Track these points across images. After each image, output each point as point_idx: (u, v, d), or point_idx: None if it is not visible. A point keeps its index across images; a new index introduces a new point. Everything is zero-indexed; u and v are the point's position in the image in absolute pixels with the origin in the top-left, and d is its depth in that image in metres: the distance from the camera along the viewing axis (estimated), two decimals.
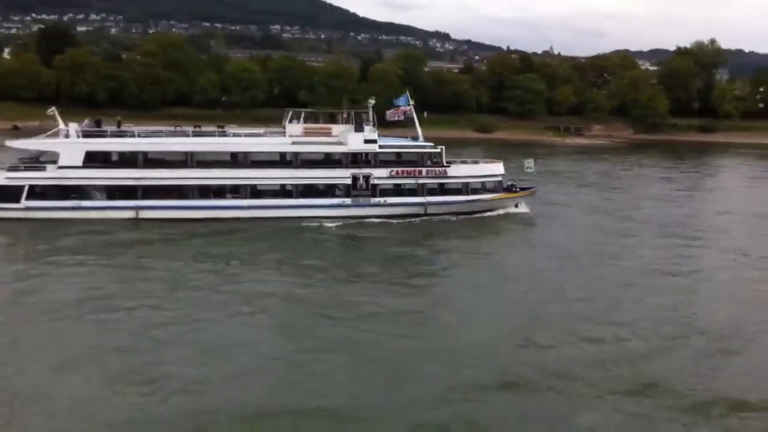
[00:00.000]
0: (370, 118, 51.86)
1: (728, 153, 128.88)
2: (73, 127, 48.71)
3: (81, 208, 47.07)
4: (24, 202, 46.52)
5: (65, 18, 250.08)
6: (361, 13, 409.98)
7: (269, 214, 48.73)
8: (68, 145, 47.52)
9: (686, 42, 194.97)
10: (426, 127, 57.02)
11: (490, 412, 22.42)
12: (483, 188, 53.46)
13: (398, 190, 51.60)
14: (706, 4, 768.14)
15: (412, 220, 50.78)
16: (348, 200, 50.57)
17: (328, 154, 51.46)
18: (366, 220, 50.00)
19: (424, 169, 51.65)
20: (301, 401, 22.52)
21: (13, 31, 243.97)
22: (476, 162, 56.04)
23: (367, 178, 50.62)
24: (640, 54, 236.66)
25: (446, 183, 52.28)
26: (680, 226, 52.97)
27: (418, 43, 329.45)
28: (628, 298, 34.18)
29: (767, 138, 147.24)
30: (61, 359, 25.10)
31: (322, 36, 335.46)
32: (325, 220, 48.88)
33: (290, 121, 51.94)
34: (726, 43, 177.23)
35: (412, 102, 54.22)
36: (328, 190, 50.94)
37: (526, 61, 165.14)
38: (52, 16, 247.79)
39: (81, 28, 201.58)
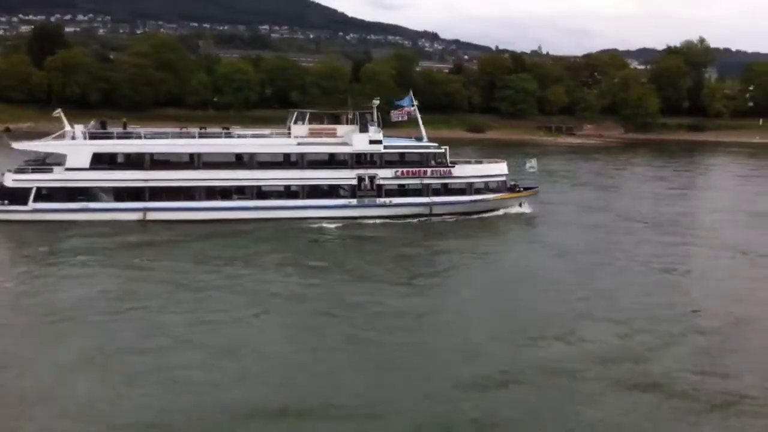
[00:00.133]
0: (375, 119, 52.11)
1: (718, 152, 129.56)
2: (79, 128, 48.74)
3: (88, 210, 47.15)
4: (31, 204, 46.56)
5: (52, 19, 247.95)
6: (350, 13, 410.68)
7: (275, 215, 48.94)
8: (75, 147, 47.56)
9: (673, 41, 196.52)
10: (406, 127, 57.30)
11: (493, 408, 22.71)
12: (487, 188, 53.88)
13: (403, 191, 51.91)
14: (693, 4, 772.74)
15: (417, 220, 51.14)
16: (353, 201, 50.83)
17: (333, 155, 51.74)
18: (371, 220, 50.28)
19: (428, 170, 51.96)
20: (310, 400, 22.69)
21: (0, 32, 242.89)
22: (480, 162, 56.29)
23: (372, 178, 50.90)
24: (628, 53, 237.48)
25: (451, 183, 52.64)
26: (677, 225, 53.55)
27: (406, 42, 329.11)
28: (630, 296, 34.53)
29: (757, 136, 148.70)
30: (68, 361, 25.18)
31: (311, 36, 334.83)
32: (330, 221, 49.09)
33: (295, 122, 52.11)
34: (713, 42, 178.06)
35: (415, 102, 54.45)
36: (334, 191, 51.20)
37: (517, 61, 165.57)
38: (39, 17, 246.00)
39: (68, 29, 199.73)
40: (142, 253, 40.78)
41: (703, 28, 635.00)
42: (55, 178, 47.19)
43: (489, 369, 25.36)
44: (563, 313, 31.60)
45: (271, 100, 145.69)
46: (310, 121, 52.53)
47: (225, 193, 49.53)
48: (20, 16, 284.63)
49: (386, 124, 54.69)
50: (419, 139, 54.25)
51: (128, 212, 47.48)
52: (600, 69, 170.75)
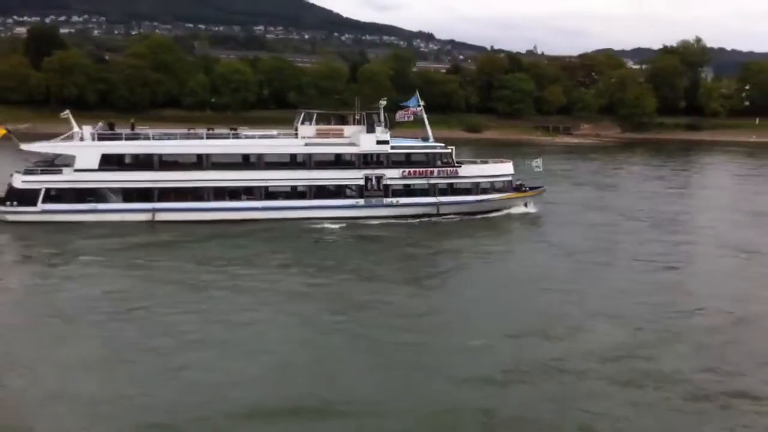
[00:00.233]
0: (382, 119, 52.29)
1: (715, 151, 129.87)
2: (88, 130, 48.82)
3: (97, 210, 47.27)
4: (40, 206, 46.64)
5: (47, 20, 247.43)
6: (345, 14, 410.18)
7: (283, 215, 49.18)
8: (84, 148, 47.65)
9: (668, 41, 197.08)
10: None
11: (498, 405, 23.04)
12: (493, 188, 54.10)
13: (410, 191, 52.10)
14: (687, 4, 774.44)
15: (424, 220, 51.34)
16: (361, 201, 51.03)
17: (340, 156, 51.88)
18: (378, 220, 50.46)
19: (435, 170, 52.18)
20: (312, 400, 22.91)
21: None
22: (486, 162, 56.48)
23: (379, 178, 51.12)
24: (623, 53, 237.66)
25: (458, 183, 52.87)
26: (678, 224, 54.09)
27: (402, 43, 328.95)
28: (633, 295, 34.80)
29: (753, 135, 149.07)
30: (74, 361, 25.36)
31: (306, 36, 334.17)
32: (338, 221, 49.29)
33: (302, 123, 52.20)
34: (708, 42, 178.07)
35: (422, 103, 54.65)
36: (341, 191, 51.37)
37: (514, 61, 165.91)
38: (33, 18, 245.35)
39: (63, 30, 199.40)
40: (150, 253, 40.96)
41: (698, 28, 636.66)
42: (64, 179, 47.26)
43: (493, 367, 25.63)
44: (568, 312, 31.92)
45: (268, 101, 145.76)
46: (317, 122, 52.64)
47: (233, 193, 49.66)
48: (15, 17, 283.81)
49: (389, 124, 54.73)
50: (425, 139, 54.45)
51: (137, 213, 47.59)
52: (597, 69, 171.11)
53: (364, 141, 51.07)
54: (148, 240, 44.16)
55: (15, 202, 46.53)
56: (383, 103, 53.25)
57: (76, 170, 47.30)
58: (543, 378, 24.90)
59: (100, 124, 51.90)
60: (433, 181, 52.06)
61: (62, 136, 48.98)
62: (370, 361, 26.20)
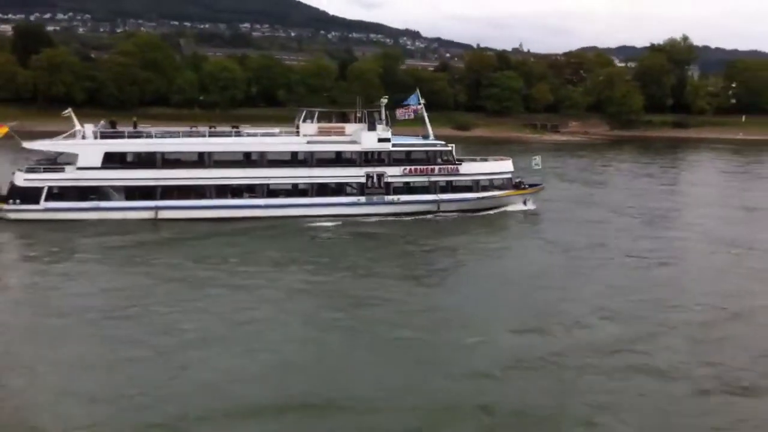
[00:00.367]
0: (383, 117, 52.56)
1: (702, 148, 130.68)
2: (90, 128, 48.80)
3: (100, 209, 47.25)
4: (43, 204, 46.61)
5: (32, 18, 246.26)
6: (331, 11, 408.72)
7: (285, 213, 49.39)
8: (87, 146, 47.65)
9: (653, 39, 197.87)
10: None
11: (500, 397, 23.44)
12: (493, 185, 54.50)
13: (411, 188, 52.46)
14: (672, 2, 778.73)
15: (425, 217, 51.65)
16: (362, 198, 51.28)
17: (342, 153, 52.19)
18: (380, 218, 50.71)
19: (436, 167, 52.52)
20: (312, 397, 23.08)
21: None
22: (485, 159, 56.87)
23: (380, 176, 51.40)
24: (608, 51, 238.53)
25: (458, 180, 53.24)
26: (670, 220, 55.14)
27: (388, 41, 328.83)
28: (630, 291, 35.31)
29: (740, 133, 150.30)
30: (76, 359, 25.47)
31: (293, 34, 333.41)
32: (339, 219, 49.52)
33: (304, 121, 52.46)
34: (693, 40, 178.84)
35: (422, 101, 54.95)
36: (343, 189, 51.62)
37: (503, 59, 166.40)
38: (18, 16, 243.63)
39: (48, 28, 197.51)
40: (153, 251, 41.16)
41: (682, 27, 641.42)
42: (67, 177, 47.28)
43: (493, 362, 25.96)
44: (566, 308, 32.34)
45: (257, 99, 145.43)
46: (319, 120, 52.90)
47: (236, 191, 49.77)
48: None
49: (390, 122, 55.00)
50: (426, 137, 54.71)
51: (140, 211, 47.65)
52: (585, 67, 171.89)
53: (366, 139, 51.33)
54: (150, 238, 44.26)
55: (18, 200, 46.47)
56: (384, 101, 53.52)
57: (79, 168, 47.29)
58: (542, 372, 25.26)
59: (102, 122, 51.89)
60: (433, 179, 52.44)
61: (64, 135, 48.95)
62: (371, 357, 26.41)
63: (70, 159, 48.26)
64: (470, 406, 22.67)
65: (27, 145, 48.10)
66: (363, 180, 51.23)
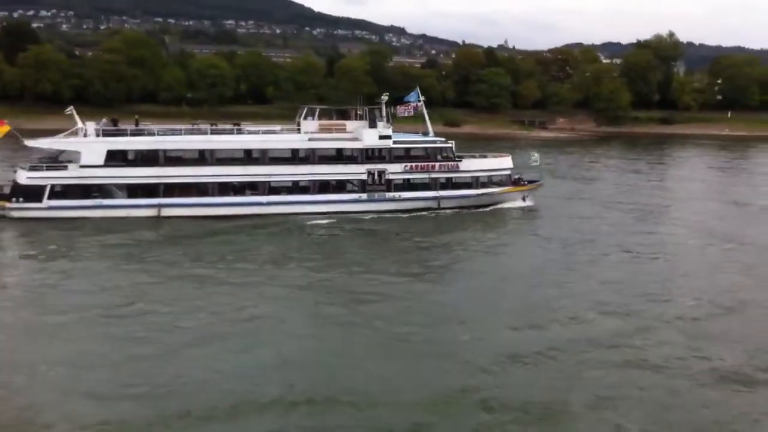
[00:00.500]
0: (383, 114, 52.82)
1: (688, 144, 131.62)
2: (91, 126, 48.74)
3: (103, 206, 47.24)
4: (46, 202, 46.57)
5: (15, 14, 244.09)
6: (316, 8, 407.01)
7: (288, 210, 49.53)
8: (90, 144, 47.60)
9: (637, 35, 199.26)
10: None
11: (501, 387, 23.80)
12: (493, 182, 54.85)
13: (412, 185, 52.73)
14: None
15: (425, 213, 51.98)
16: (363, 195, 51.53)
17: (343, 150, 52.37)
18: (381, 214, 50.96)
19: (437, 164, 52.81)
20: (312, 392, 23.18)
21: None
22: (484, 156, 57.23)
23: (381, 173, 51.66)
24: (593, 47, 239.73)
25: (458, 177, 53.57)
26: (662, 215, 55.67)
27: (374, 37, 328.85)
28: (626, 285, 35.72)
29: (725, 129, 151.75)
30: (81, 356, 25.51)
31: (278, 31, 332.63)
32: (341, 216, 49.73)
33: (305, 118, 52.63)
34: (678, 37, 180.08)
35: (422, 98, 55.24)
36: (344, 186, 51.87)
37: (490, 56, 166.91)
38: (1, 13, 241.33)
39: (32, 25, 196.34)
40: (155, 249, 41.25)
41: (667, 23, 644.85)
42: (70, 175, 47.23)
43: (492, 356, 26.15)
44: (564, 303, 32.61)
45: (245, 96, 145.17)
46: (320, 117, 53.10)
47: (238, 188, 49.90)
48: None
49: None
50: (425, 134, 54.95)
51: (143, 209, 47.71)
52: (571, 63, 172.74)
53: (367, 136, 51.58)
54: (153, 236, 44.25)
55: (21, 199, 46.38)
56: (385, 98, 53.82)
57: (82, 166, 47.25)
58: (541, 367, 25.48)
59: (103, 120, 51.90)
60: (434, 176, 52.73)
61: (66, 132, 48.88)
62: (371, 353, 26.54)
63: (71, 157, 48.17)
64: (470, 400, 22.91)
65: (29, 143, 48.03)
66: (364, 177, 51.49)
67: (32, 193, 46.44)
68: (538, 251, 42.97)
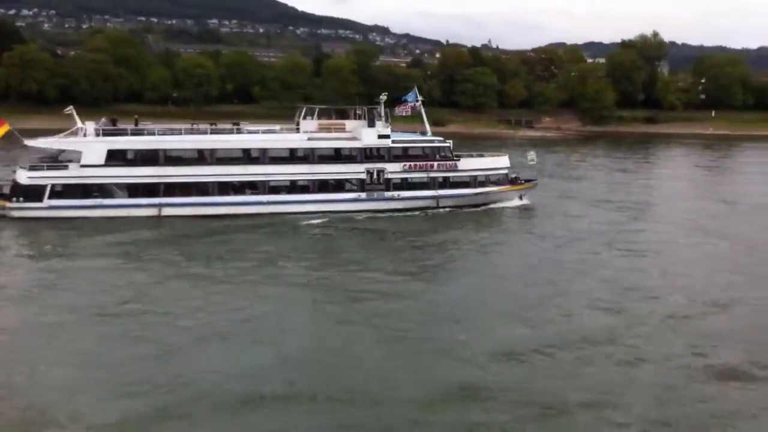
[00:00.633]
0: (382, 114, 53.06)
1: (673, 143, 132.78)
2: (91, 125, 48.67)
3: (104, 206, 47.21)
4: (47, 201, 46.46)
5: None
6: (300, 7, 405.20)
7: (287, 209, 49.65)
8: (91, 144, 47.51)
9: (620, 36, 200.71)
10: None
11: (501, 383, 23.97)
12: (490, 181, 55.21)
13: (411, 184, 53.00)
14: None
15: (424, 212, 52.31)
16: (363, 194, 51.74)
17: (342, 150, 52.56)
18: (380, 213, 51.20)
19: (435, 163, 53.11)
20: (327, 385, 23.42)
21: None
22: (481, 155, 57.65)
23: (380, 172, 51.90)
24: (576, 47, 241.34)
25: (456, 176, 53.89)
26: (652, 213, 56.37)
27: (357, 37, 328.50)
28: (622, 281, 36.15)
29: (709, 128, 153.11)
30: (81, 354, 25.57)
31: (261, 30, 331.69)
32: (340, 215, 49.95)
33: (304, 117, 52.81)
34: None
35: (420, 98, 55.54)
36: (344, 185, 52.08)
37: (476, 55, 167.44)
38: None
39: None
40: (155, 248, 41.24)
41: (649, 23, 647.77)
42: (71, 174, 47.12)
43: (492, 352, 26.40)
44: (560, 300, 32.86)
45: (231, 96, 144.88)
46: (319, 117, 53.27)
47: (238, 188, 49.98)
48: None
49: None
50: (423, 133, 55.31)
51: (144, 208, 47.70)
52: (557, 63, 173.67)
53: (366, 135, 51.81)
54: (153, 235, 44.23)
55: (21, 198, 46.26)
56: (384, 97, 54.04)
57: (83, 166, 47.18)
58: (539, 363, 25.67)
59: (103, 119, 51.89)
60: (432, 175, 53.04)
61: (66, 132, 48.78)
62: (370, 350, 26.65)
63: (71, 156, 48.07)
64: (468, 398, 23.04)
65: (29, 143, 47.91)
66: (363, 176, 51.70)
67: (33, 193, 46.32)
68: (534, 249, 43.32)
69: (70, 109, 49.44)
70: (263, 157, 50.35)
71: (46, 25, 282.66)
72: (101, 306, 30.52)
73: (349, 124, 53.08)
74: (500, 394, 23.23)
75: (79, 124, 48.54)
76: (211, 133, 50.55)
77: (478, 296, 33.47)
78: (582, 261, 40.32)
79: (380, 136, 52.04)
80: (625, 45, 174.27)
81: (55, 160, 48.67)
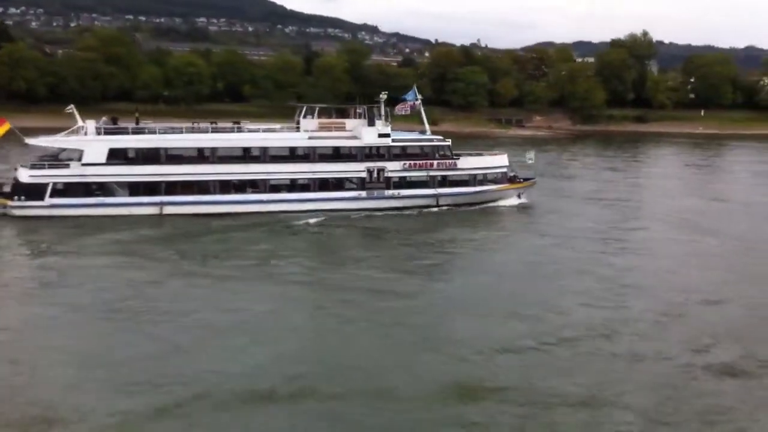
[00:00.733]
0: (383, 113, 53.30)
1: (663, 142, 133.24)
2: (92, 124, 48.67)
3: (105, 205, 47.22)
4: (48, 200, 46.45)
5: None
6: (288, 5, 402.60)
7: (287, 207, 49.84)
8: (93, 143, 47.51)
9: (609, 35, 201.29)
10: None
11: (500, 379, 24.28)
12: (489, 179, 55.56)
13: (411, 183, 53.24)
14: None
15: (424, 211, 52.54)
16: (363, 193, 51.97)
17: (343, 149, 52.77)
18: (380, 212, 51.42)
19: (435, 162, 53.37)
20: (330, 381, 23.63)
21: None
22: (480, 154, 57.97)
23: (381, 171, 52.11)
24: (564, 46, 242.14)
25: (456, 175, 54.16)
26: (645, 211, 57.20)
27: (347, 35, 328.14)
28: (619, 279, 36.63)
29: (699, 127, 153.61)
30: (82, 352, 25.66)
31: (250, 29, 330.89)
32: (340, 213, 50.15)
33: (304, 116, 52.98)
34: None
35: (419, 97, 55.79)
36: (344, 184, 52.27)
37: (467, 54, 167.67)
38: None
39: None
40: (156, 246, 41.45)
41: (638, 22, 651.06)
42: (72, 173, 47.14)
43: (491, 349, 26.73)
44: (557, 297, 33.31)
45: (222, 94, 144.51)
46: (319, 115, 53.47)
47: (239, 186, 50.09)
48: None
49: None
50: (423, 132, 55.63)
51: (145, 206, 47.75)
52: (547, 62, 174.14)
53: (366, 134, 52.03)
54: (154, 233, 44.36)
55: (22, 197, 46.19)
56: (384, 96, 54.28)
57: (84, 164, 47.18)
58: (539, 358, 26.05)
59: (103, 118, 51.92)
60: (432, 173, 53.30)
61: (67, 131, 48.75)
62: (372, 347, 26.93)
63: (72, 155, 48.03)
64: (468, 394, 23.22)
65: (30, 141, 47.85)
66: (364, 175, 51.93)
67: (34, 191, 46.32)
68: (531, 247, 43.69)
69: (72, 108, 49.46)
70: (264, 155, 50.50)
71: (33, 24, 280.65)
72: (102, 304, 30.66)
73: (350, 123, 53.32)
74: (498, 391, 23.47)
75: (80, 122, 48.58)
76: (212, 131, 50.57)
77: (476, 294, 33.77)
78: (578, 259, 40.72)
79: (380, 135, 52.27)
80: (615, 44, 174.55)
81: (56, 158, 48.56)
